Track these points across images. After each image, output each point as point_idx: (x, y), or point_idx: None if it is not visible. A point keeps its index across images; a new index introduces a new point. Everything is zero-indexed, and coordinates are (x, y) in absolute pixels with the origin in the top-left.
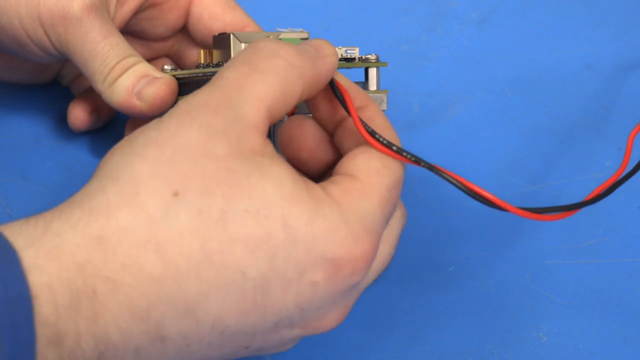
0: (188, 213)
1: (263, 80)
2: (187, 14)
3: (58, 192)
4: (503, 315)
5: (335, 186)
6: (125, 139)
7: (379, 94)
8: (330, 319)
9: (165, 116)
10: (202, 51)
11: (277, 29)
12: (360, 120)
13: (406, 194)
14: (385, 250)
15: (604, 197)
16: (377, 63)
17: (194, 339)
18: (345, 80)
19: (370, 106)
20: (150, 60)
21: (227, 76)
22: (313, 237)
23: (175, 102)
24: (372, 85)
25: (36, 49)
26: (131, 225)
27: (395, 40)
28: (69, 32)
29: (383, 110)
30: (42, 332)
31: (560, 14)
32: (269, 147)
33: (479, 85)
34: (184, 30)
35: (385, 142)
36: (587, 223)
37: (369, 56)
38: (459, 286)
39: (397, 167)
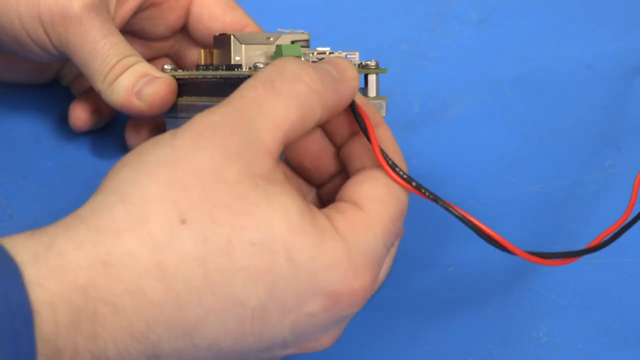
0: (193, 240)
1: (283, 104)
2: (187, 14)
3: (58, 192)
4: (503, 315)
5: (340, 216)
6: (135, 151)
7: (379, 101)
8: (323, 341)
9: (180, 133)
10: (202, 51)
11: (278, 29)
12: (381, 150)
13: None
14: (381, 273)
15: (608, 244)
16: (377, 70)
17: (188, 358)
18: (362, 99)
19: (381, 126)
20: (150, 60)
21: (247, 96)
22: (315, 271)
23: (175, 103)
24: (372, 91)
25: (36, 48)
26: (137, 252)
27: (395, 40)
28: (69, 32)
29: (382, 117)
30: (42, 348)
31: (560, 14)
32: (280, 174)
33: (479, 85)
34: (184, 30)
35: (405, 177)
36: (587, 223)
37: (369, 62)
38: (459, 286)
39: (403, 197)
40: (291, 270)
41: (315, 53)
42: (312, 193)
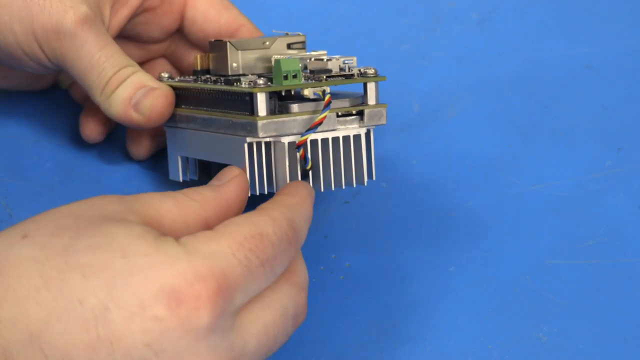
0: (31, 247)
1: None
2: (182, 17)
3: (58, 192)
4: (503, 315)
5: (188, 236)
6: None
7: (379, 109)
8: None
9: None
10: (198, 56)
11: (273, 31)
12: None
13: (406, 194)
14: (267, 316)
15: None
16: (376, 78)
17: None
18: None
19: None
20: (146, 62)
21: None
22: (151, 267)
23: (172, 114)
24: (372, 99)
25: (32, 63)
26: None
27: (395, 40)
28: (64, 47)
29: (382, 124)
30: None
31: (560, 14)
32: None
33: (479, 85)
34: (180, 32)
35: None
36: (587, 223)
37: (368, 70)
38: (459, 286)
39: (264, 222)
40: (127, 266)
41: (313, 59)
42: None
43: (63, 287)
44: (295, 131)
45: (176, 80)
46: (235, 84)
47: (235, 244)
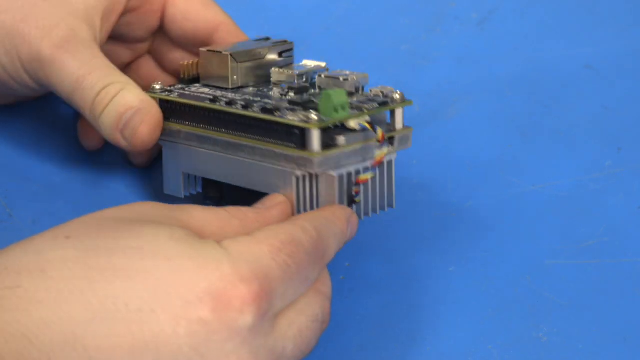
0: (75, 248)
1: None
2: (163, 16)
3: (58, 192)
4: (503, 315)
5: (229, 240)
6: None
7: (406, 132)
8: None
9: None
10: (185, 64)
11: (257, 36)
12: None
13: (407, 194)
14: (302, 321)
15: None
16: (404, 103)
17: None
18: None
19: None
20: (132, 61)
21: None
22: (195, 270)
23: (177, 130)
24: (399, 124)
25: (25, 89)
26: (18, 256)
27: (395, 40)
28: (46, 73)
29: (407, 148)
30: None
31: (560, 14)
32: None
33: (479, 85)
34: (162, 30)
35: None
36: (587, 223)
37: (395, 95)
38: (459, 286)
39: (297, 231)
40: (170, 269)
41: (323, 75)
42: None
43: (107, 288)
44: (343, 163)
45: (175, 94)
46: (275, 112)
47: (274, 249)
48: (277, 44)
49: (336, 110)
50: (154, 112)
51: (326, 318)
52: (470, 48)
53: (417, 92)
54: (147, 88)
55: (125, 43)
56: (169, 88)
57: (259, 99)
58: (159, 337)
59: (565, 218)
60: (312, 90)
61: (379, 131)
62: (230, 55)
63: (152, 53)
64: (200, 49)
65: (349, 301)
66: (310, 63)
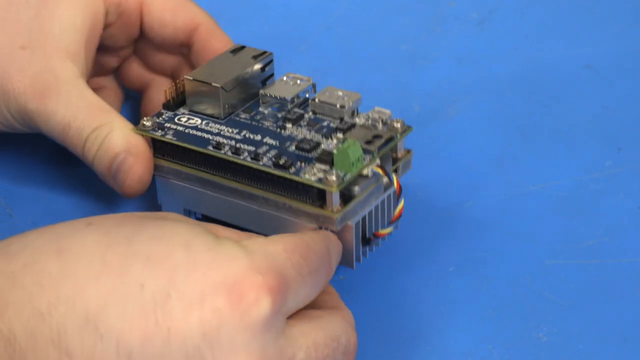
0: (95, 233)
1: None
2: (142, 24)
3: (58, 192)
4: (503, 315)
5: (246, 240)
6: None
7: (408, 157)
8: None
9: None
10: (167, 90)
11: (236, 45)
12: None
13: (406, 194)
14: (319, 335)
15: None
16: (406, 132)
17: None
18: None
19: None
20: (120, 65)
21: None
22: (213, 261)
23: (176, 170)
24: (401, 150)
25: (19, 130)
26: (36, 238)
27: (395, 40)
28: (36, 123)
29: (409, 170)
30: None
31: (560, 14)
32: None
33: (479, 85)
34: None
35: None
36: (587, 223)
37: (396, 125)
38: (459, 286)
39: (308, 237)
40: (189, 258)
41: (318, 100)
42: None
43: (124, 272)
44: (359, 211)
45: (170, 132)
46: (290, 167)
47: (289, 249)
48: (258, 57)
49: (353, 165)
50: (141, 166)
51: (350, 347)
52: (470, 48)
53: (417, 92)
54: (140, 88)
55: (108, 52)
56: (159, 121)
57: (259, 137)
58: (170, 322)
59: (565, 218)
60: (306, 116)
61: (395, 181)
62: (222, 87)
63: (138, 55)
64: (186, 77)
65: (349, 301)
66: (293, 79)
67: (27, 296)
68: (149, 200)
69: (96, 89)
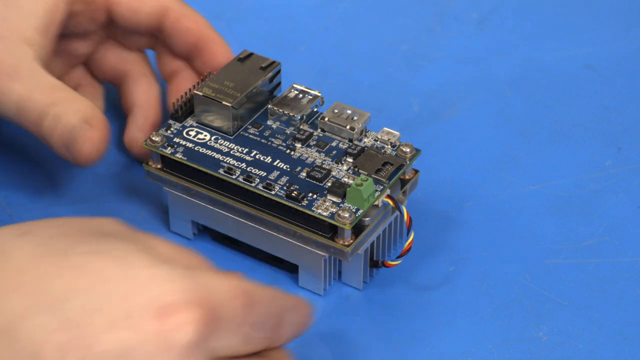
0: (29, 243)
1: None
2: (110, 13)
3: (58, 192)
4: (503, 315)
5: (197, 269)
6: None
7: (415, 179)
8: None
9: None
10: (175, 102)
11: (244, 51)
12: None
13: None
14: None
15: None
16: (415, 155)
17: None
18: None
19: None
20: (95, 50)
21: None
22: (148, 279)
23: (189, 189)
24: (409, 173)
25: None
26: None
27: (395, 40)
28: None
29: (415, 188)
30: None
31: (560, 14)
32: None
33: (479, 85)
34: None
35: None
36: (587, 223)
37: (404, 149)
38: (459, 286)
39: (265, 294)
40: (122, 274)
41: (327, 119)
42: None
43: (52, 284)
44: (368, 238)
45: (180, 151)
46: (303, 200)
47: (234, 293)
48: (267, 69)
49: (367, 201)
50: (98, 128)
51: None
52: (470, 48)
53: (417, 92)
54: (114, 79)
55: (79, 38)
56: (167, 134)
57: (270, 159)
58: (89, 338)
59: (565, 218)
60: (315, 133)
61: (406, 215)
62: (232, 107)
63: (114, 39)
64: (195, 92)
65: (349, 301)
66: (302, 92)
67: None
68: (155, 204)
69: (75, 87)
